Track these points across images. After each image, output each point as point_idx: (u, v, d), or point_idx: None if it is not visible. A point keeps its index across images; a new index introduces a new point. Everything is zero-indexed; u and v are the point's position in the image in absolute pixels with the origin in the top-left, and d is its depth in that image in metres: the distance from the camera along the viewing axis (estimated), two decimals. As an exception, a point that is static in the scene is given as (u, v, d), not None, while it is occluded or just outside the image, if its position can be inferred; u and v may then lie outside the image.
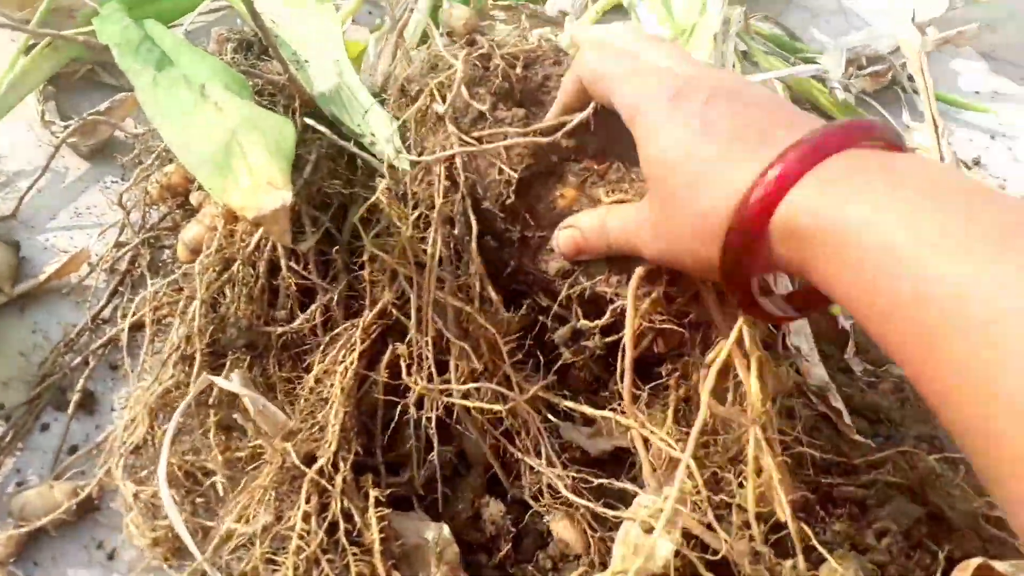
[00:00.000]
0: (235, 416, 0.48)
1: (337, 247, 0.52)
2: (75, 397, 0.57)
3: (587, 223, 0.46)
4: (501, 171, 0.47)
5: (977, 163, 1.00)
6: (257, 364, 0.51)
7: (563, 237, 0.47)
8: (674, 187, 0.37)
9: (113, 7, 0.61)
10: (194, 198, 0.59)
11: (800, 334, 0.61)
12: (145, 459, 0.49)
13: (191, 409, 0.49)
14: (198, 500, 0.49)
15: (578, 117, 0.46)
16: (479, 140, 0.48)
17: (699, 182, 0.36)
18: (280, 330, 0.51)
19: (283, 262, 0.51)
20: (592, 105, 0.45)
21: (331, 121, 0.59)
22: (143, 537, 0.45)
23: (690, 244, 0.37)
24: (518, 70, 0.50)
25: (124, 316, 0.59)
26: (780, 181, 0.32)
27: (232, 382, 0.46)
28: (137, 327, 0.58)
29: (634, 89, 0.41)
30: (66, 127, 0.72)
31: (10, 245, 0.65)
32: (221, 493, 0.48)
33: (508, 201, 0.47)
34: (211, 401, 0.51)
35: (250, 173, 0.42)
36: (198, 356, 0.49)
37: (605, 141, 0.47)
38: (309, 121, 0.54)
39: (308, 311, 0.50)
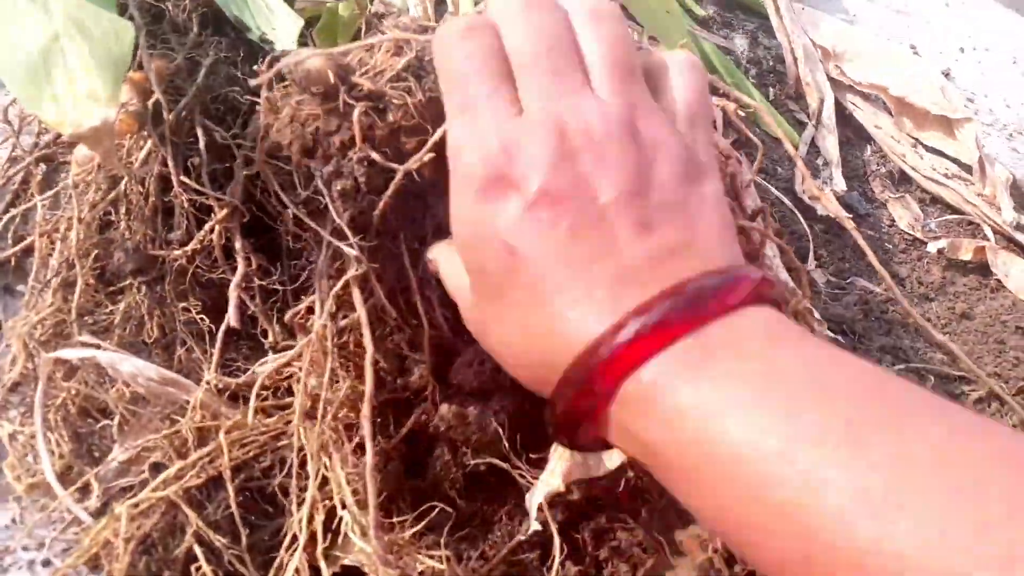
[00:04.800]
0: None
1: (237, 160, 0.47)
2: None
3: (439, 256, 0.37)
4: None
5: (947, 75, 0.97)
6: (151, 291, 0.46)
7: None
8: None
9: None
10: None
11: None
12: (28, 397, 0.44)
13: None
14: (92, 442, 0.44)
15: None
16: None
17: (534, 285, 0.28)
18: (175, 253, 0.46)
19: (174, 177, 0.46)
20: None
21: (234, 24, 0.53)
22: (19, 483, 0.40)
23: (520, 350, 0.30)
24: None
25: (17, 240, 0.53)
26: (650, 340, 0.25)
27: (79, 349, 0.41)
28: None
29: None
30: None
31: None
32: (116, 434, 0.43)
33: None
34: (114, 324, 0.46)
35: (71, 84, 0.36)
36: (79, 282, 0.44)
37: None
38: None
39: (202, 231, 0.45)
